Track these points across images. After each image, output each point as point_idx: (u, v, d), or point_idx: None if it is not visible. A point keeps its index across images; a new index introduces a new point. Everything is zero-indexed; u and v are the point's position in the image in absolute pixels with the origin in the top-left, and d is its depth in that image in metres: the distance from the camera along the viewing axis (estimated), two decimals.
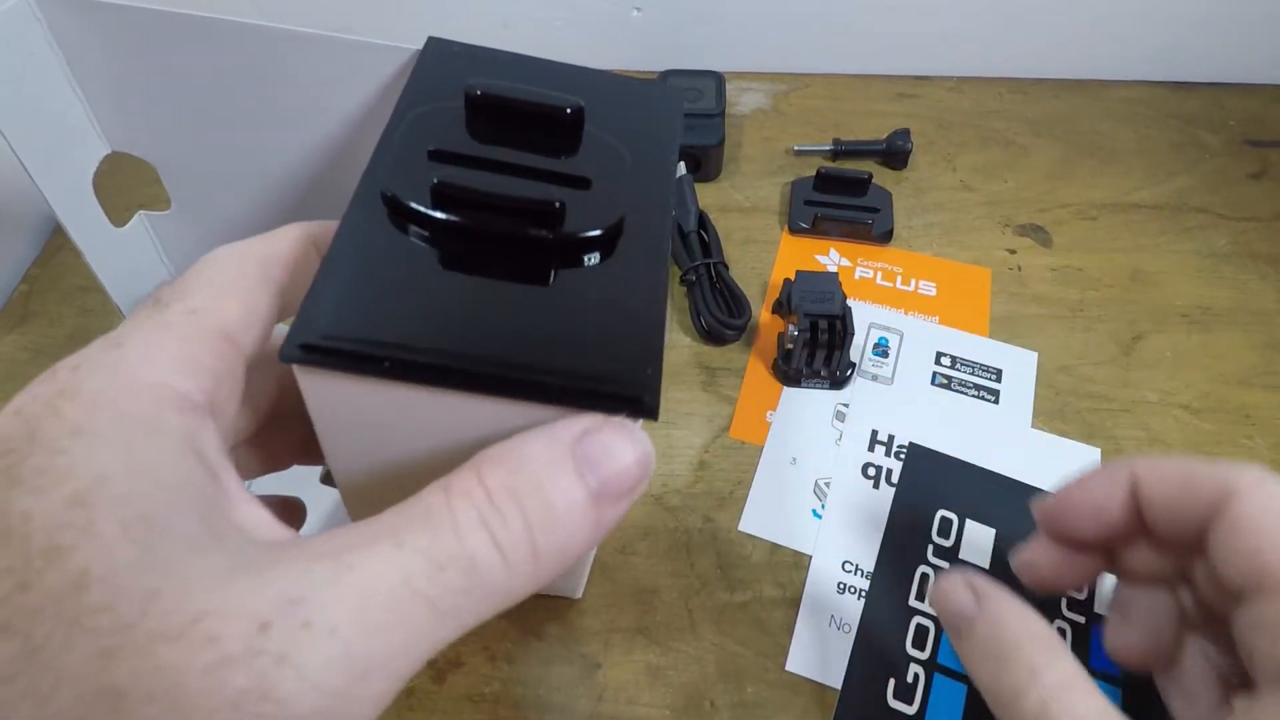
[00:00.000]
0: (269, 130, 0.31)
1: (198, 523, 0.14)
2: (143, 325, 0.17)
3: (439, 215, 0.20)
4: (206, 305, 0.18)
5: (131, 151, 0.33)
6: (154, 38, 0.28)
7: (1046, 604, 0.37)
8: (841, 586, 0.38)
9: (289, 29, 0.28)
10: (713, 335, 0.46)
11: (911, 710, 0.34)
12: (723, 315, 0.45)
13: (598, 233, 0.20)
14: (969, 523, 0.39)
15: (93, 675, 0.12)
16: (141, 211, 0.35)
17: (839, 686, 0.35)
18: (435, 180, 0.20)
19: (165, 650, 0.12)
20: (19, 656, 0.12)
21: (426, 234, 0.20)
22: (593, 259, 0.21)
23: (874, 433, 0.42)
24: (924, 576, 0.38)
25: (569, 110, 0.22)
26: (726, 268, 0.48)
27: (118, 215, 0.34)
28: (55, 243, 0.53)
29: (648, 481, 0.19)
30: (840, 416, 0.43)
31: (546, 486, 0.17)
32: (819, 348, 0.43)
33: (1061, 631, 0.36)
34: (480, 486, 0.16)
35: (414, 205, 0.20)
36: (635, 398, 0.18)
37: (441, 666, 0.36)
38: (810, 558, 0.38)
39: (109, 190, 0.33)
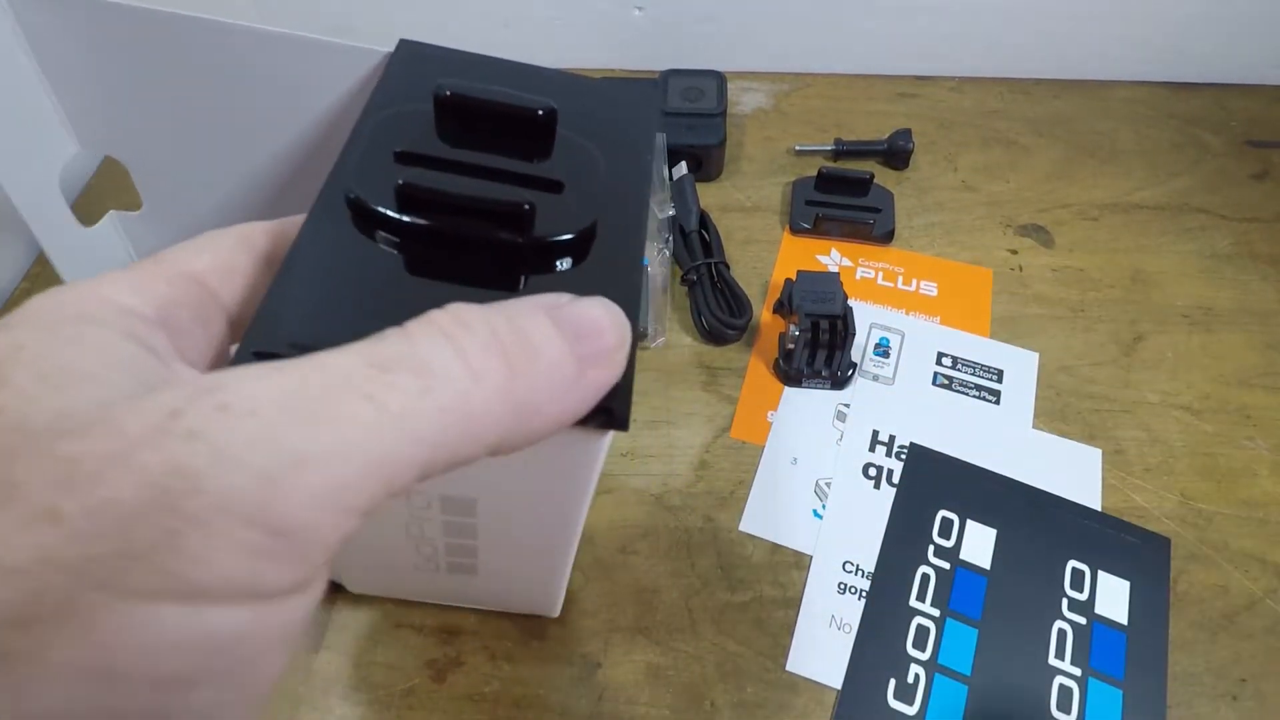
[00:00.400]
0: (240, 131, 0.31)
1: (128, 378, 0.13)
2: (105, 273, 0.16)
3: (404, 218, 0.19)
4: (173, 255, 0.18)
5: (102, 150, 0.32)
6: (124, 33, 0.28)
7: (1048, 607, 0.37)
8: (842, 586, 0.38)
9: (260, 28, 0.27)
10: (714, 335, 0.46)
11: (912, 711, 0.34)
12: (724, 315, 0.45)
13: (569, 237, 0.20)
14: (970, 523, 0.39)
15: None
16: (112, 211, 0.34)
17: (839, 687, 0.35)
18: (400, 182, 0.19)
19: (66, 444, 0.12)
20: None
21: (392, 238, 0.19)
22: (564, 264, 0.20)
23: (875, 433, 0.42)
24: (924, 577, 0.38)
25: (540, 112, 0.22)
26: (728, 267, 0.48)
27: (87, 213, 0.33)
28: None
29: (626, 349, 0.17)
30: (841, 417, 0.43)
31: (522, 323, 0.15)
32: (820, 348, 0.43)
33: (1062, 634, 0.36)
34: (444, 313, 0.15)
35: (378, 208, 0.19)
36: (604, 408, 0.17)
37: (442, 665, 0.36)
38: (811, 558, 0.38)
39: (78, 188, 0.32)
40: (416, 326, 0.14)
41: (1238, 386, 0.45)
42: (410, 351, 0.14)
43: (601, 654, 0.36)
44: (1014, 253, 0.51)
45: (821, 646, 0.36)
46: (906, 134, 0.55)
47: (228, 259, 0.18)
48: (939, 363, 0.45)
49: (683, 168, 0.51)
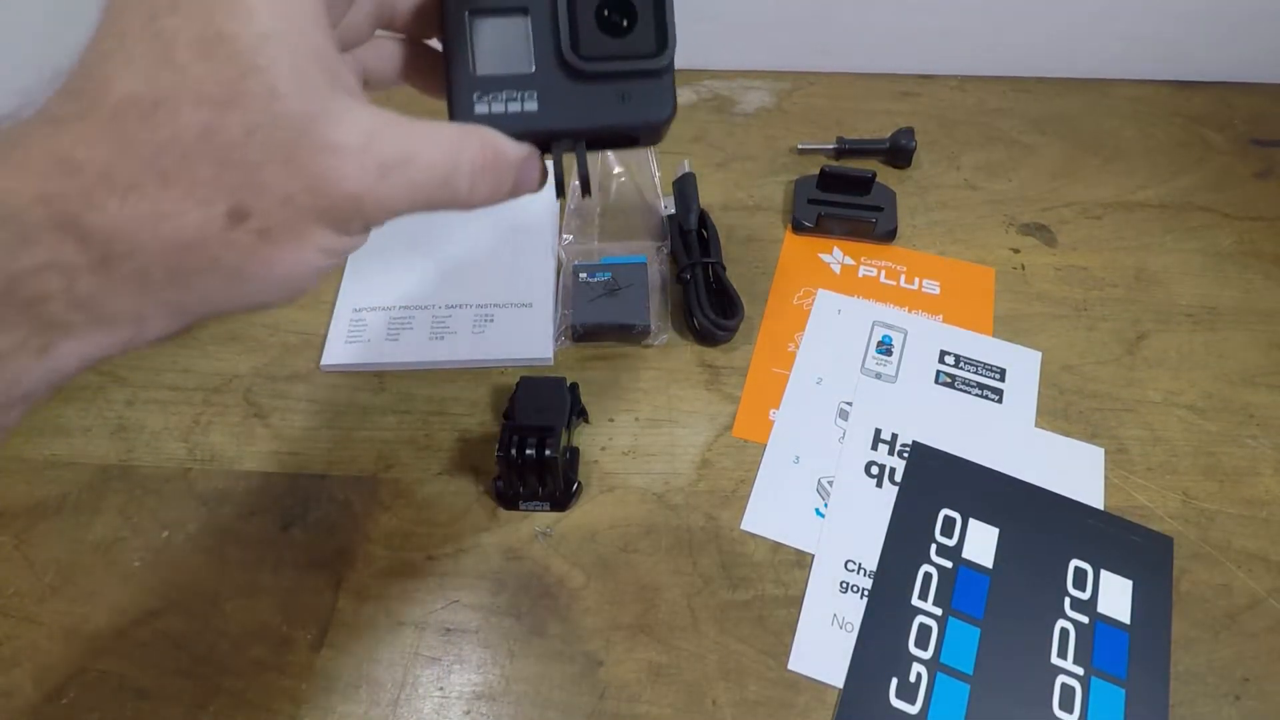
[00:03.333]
0: None
1: (327, 73, 0.20)
2: None
3: None
4: None
5: None
6: None
7: (1051, 606, 0.37)
8: (844, 585, 0.37)
9: None
10: (704, 335, 0.46)
11: (914, 710, 0.34)
12: (715, 316, 0.45)
13: None
14: (972, 522, 0.39)
15: (286, 153, 0.19)
16: None
17: (841, 685, 0.35)
18: None
19: (321, 131, 0.19)
20: (231, 124, 0.18)
21: None
22: None
23: (877, 431, 0.42)
24: (927, 576, 0.38)
25: None
26: (724, 268, 0.48)
27: None
28: None
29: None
30: (844, 415, 0.43)
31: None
32: (528, 470, 0.38)
33: (1065, 633, 0.36)
34: (481, 156, 0.23)
35: None
36: None
37: (443, 663, 0.36)
38: (813, 556, 0.38)
39: None
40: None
41: (1241, 385, 0.45)
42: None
43: (603, 652, 0.36)
44: (1016, 251, 0.51)
45: (823, 645, 0.36)
46: (909, 132, 0.55)
47: None
48: (941, 361, 0.45)
49: (685, 166, 0.51)
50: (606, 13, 0.27)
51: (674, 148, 0.56)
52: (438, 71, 0.26)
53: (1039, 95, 0.60)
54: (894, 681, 0.35)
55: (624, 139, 0.28)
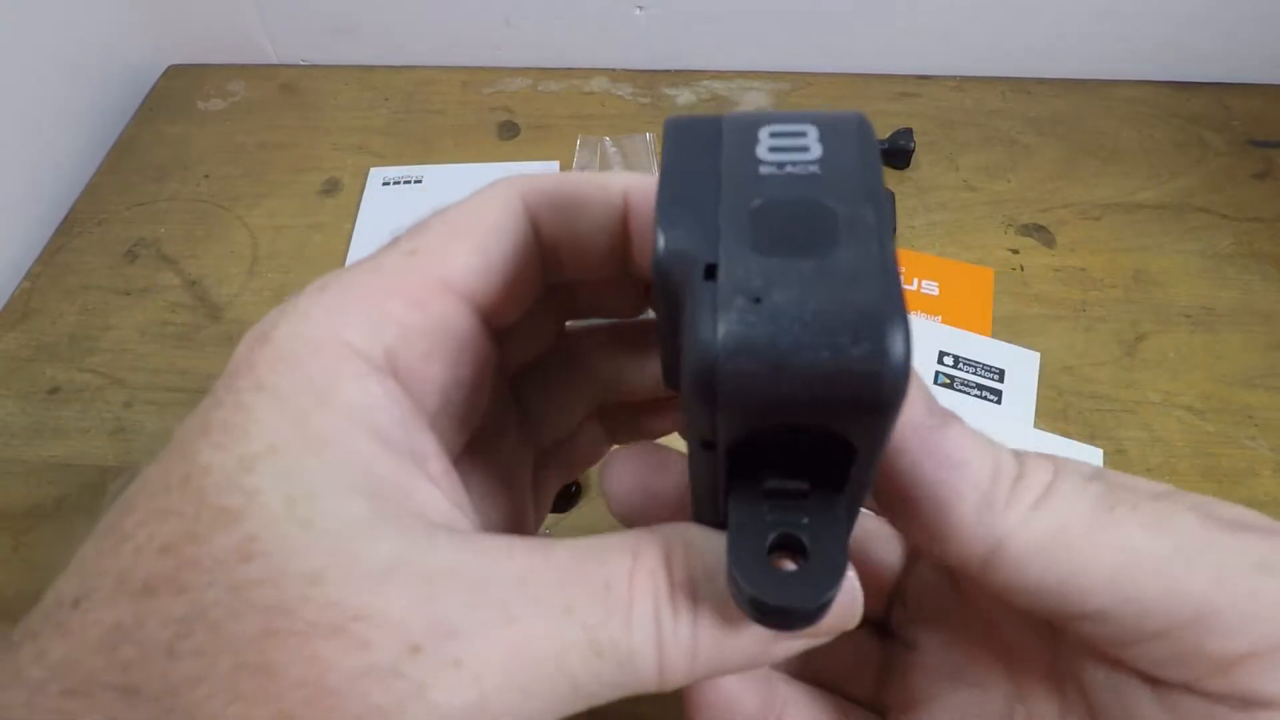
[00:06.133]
0: None
1: (366, 503, 0.14)
2: (358, 268, 0.16)
3: None
4: (431, 246, 0.16)
5: None
6: None
7: None
8: None
9: None
10: None
11: None
12: None
13: None
14: None
15: (254, 650, 0.12)
16: None
17: None
18: None
19: (321, 644, 0.12)
20: (189, 618, 0.12)
21: None
22: None
23: None
24: None
25: None
26: None
27: None
28: (57, 242, 0.53)
29: (838, 629, 0.16)
30: None
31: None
32: None
33: None
34: (664, 571, 0.15)
35: None
36: None
37: None
38: None
39: None
40: (641, 594, 0.14)
41: (1240, 386, 0.45)
42: (624, 640, 0.14)
43: None
44: (1015, 252, 0.51)
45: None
46: (908, 133, 0.55)
47: (491, 253, 0.17)
48: (940, 362, 0.45)
49: None
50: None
51: None
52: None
53: (1038, 96, 0.60)
54: None
55: None
